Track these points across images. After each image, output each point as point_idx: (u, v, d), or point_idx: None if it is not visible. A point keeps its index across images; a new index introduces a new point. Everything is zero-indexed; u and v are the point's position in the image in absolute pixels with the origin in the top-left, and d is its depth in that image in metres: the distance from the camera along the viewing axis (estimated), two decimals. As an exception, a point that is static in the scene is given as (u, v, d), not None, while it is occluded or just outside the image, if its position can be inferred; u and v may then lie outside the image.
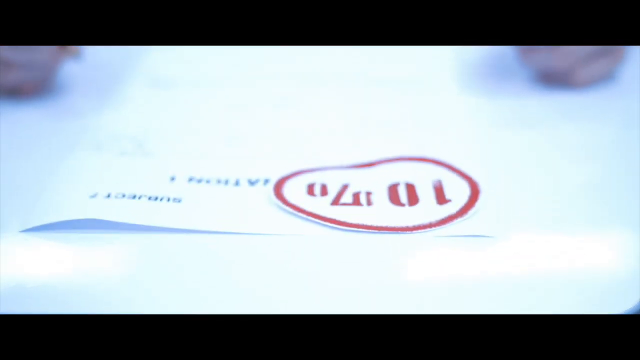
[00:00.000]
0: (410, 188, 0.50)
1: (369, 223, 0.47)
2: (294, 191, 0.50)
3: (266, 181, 0.51)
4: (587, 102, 0.63)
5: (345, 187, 0.51)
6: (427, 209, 0.48)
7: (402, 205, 0.49)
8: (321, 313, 0.41)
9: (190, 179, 0.52)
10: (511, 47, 0.65)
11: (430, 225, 0.47)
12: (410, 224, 0.47)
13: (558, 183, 0.53)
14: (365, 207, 0.49)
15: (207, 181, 0.51)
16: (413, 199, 0.49)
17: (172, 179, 0.52)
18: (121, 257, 0.47)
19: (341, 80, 0.66)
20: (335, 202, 0.49)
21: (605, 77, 0.65)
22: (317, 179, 0.52)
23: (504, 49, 0.67)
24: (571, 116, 0.61)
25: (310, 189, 0.50)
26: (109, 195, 0.49)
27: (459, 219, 0.47)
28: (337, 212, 0.48)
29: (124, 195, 0.49)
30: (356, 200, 0.49)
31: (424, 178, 0.51)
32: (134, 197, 0.49)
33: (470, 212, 0.48)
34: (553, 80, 0.64)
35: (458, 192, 0.50)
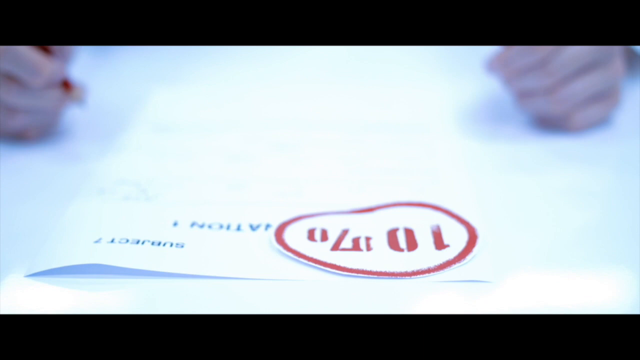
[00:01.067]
0: (409, 233, 0.51)
1: (368, 268, 0.48)
2: (295, 236, 0.51)
3: (267, 226, 0.52)
4: (584, 146, 0.64)
5: (345, 232, 0.51)
6: (426, 254, 0.49)
7: (401, 250, 0.50)
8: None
9: (193, 224, 0.52)
10: (507, 93, 0.66)
11: (429, 271, 0.48)
12: (409, 269, 0.48)
13: (555, 227, 0.53)
14: (365, 252, 0.49)
15: (209, 226, 0.52)
16: (412, 244, 0.50)
17: (175, 224, 0.52)
18: (124, 301, 0.47)
19: (341, 125, 0.67)
20: (335, 247, 0.50)
21: (601, 122, 0.66)
22: (318, 224, 0.52)
23: (501, 94, 0.68)
24: (568, 160, 0.62)
25: (311, 234, 0.51)
26: (112, 240, 0.50)
27: (457, 265, 0.48)
28: (337, 258, 0.49)
29: (127, 241, 0.50)
30: (356, 246, 0.50)
31: (422, 223, 0.52)
32: (138, 242, 0.50)
33: (468, 257, 0.49)
34: (549, 124, 0.65)
35: (456, 237, 0.51)
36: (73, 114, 0.67)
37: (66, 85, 0.61)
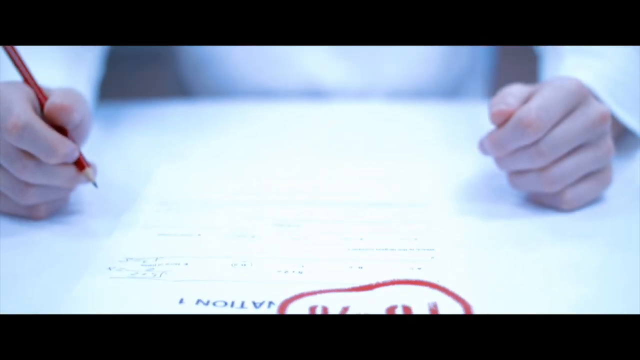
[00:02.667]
0: (407, 311, 0.53)
1: (368, 346, 0.49)
2: (297, 313, 0.53)
3: (270, 304, 0.54)
4: (577, 222, 0.66)
5: (345, 310, 0.53)
6: (424, 332, 0.51)
7: (400, 327, 0.51)
8: None
9: (198, 302, 0.54)
10: (502, 170, 0.68)
11: (427, 348, 0.49)
12: (408, 346, 0.49)
13: (551, 303, 0.55)
14: (364, 329, 0.51)
15: (214, 304, 0.54)
16: (410, 321, 0.52)
17: (181, 301, 0.54)
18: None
19: (340, 201, 0.69)
20: (336, 324, 0.51)
21: (593, 199, 0.68)
22: (319, 301, 0.54)
23: (496, 171, 0.70)
24: (562, 236, 0.64)
25: (312, 311, 0.53)
26: (120, 318, 0.51)
27: (454, 342, 0.50)
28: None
29: (134, 318, 0.51)
30: (356, 323, 0.52)
31: (420, 301, 0.54)
32: (144, 320, 0.51)
33: (465, 334, 0.50)
34: (542, 201, 0.67)
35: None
36: (80, 191, 0.69)
37: (79, 164, 0.63)
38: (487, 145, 0.65)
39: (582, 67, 0.77)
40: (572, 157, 0.64)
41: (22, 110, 0.60)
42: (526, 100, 0.65)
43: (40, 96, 0.64)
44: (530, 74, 0.98)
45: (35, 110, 0.62)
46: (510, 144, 0.63)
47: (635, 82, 0.78)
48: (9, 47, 0.64)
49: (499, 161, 0.66)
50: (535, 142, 0.63)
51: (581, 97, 0.64)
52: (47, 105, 0.62)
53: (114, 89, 1.09)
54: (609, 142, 0.66)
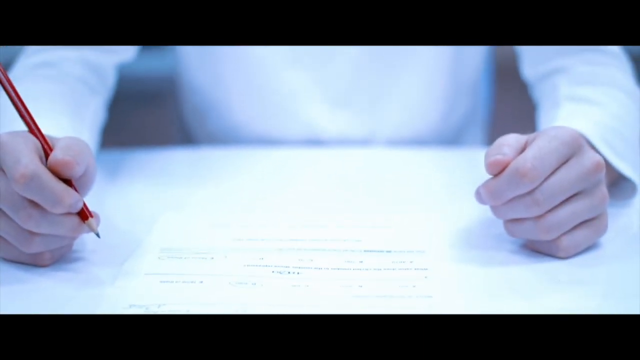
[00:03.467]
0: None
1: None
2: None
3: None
4: (573, 268, 0.67)
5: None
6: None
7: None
8: None
9: (200, 349, 0.55)
10: (499, 218, 0.69)
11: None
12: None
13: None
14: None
15: (216, 351, 0.55)
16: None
17: (183, 349, 0.55)
18: None
19: (339, 248, 0.70)
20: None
21: (589, 245, 0.69)
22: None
23: (493, 218, 0.71)
24: (558, 283, 0.65)
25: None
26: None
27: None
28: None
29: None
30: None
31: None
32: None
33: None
34: (539, 249, 0.68)
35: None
36: (83, 238, 0.70)
37: (82, 214, 0.64)
38: (483, 195, 0.66)
39: (577, 114, 0.78)
40: (567, 206, 0.65)
41: (30, 160, 0.62)
42: (522, 149, 0.66)
43: (46, 146, 0.65)
44: (527, 121, 1.00)
45: (41, 160, 0.63)
46: (507, 193, 0.64)
47: (629, 128, 0.79)
48: (15, 96, 0.66)
49: (496, 210, 0.67)
50: (531, 191, 0.64)
51: (576, 146, 0.66)
52: (50, 160, 0.63)
53: (118, 133, 1.10)
54: (603, 190, 0.67)
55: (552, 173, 0.65)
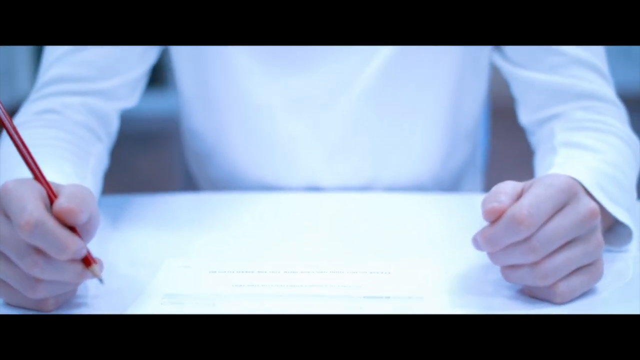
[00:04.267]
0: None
1: None
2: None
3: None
4: (569, 313, 0.67)
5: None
6: None
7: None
8: None
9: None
10: (496, 264, 0.70)
11: None
12: None
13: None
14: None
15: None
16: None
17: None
18: None
19: (340, 295, 0.71)
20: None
21: (585, 291, 0.69)
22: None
23: (490, 263, 0.71)
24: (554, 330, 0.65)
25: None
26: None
27: None
28: None
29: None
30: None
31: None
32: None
33: None
34: (535, 294, 0.69)
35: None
36: (87, 283, 0.71)
37: (86, 261, 0.65)
38: (480, 242, 0.67)
39: (572, 160, 0.80)
40: (563, 252, 0.66)
41: (35, 207, 0.63)
42: (518, 197, 0.67)
43: (50, 193, 0.66)
44: (523, 161, 1.01)
45: (46, 207, 0.65)
46: (503, 240, 0.66)
47: (624, 174, 0.80)
48: (20, 144, 0.67)
49: (493, 256, 0.68)
50: (527, 238, 0.65)
51: (571, 193, 0.67)
52: (55, 207, 0.64)
53: (120, 175, 1.12)
54: (599, 236, 0.68)
55: (548, 220, 0.66)
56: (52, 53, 0.93)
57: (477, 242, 0.67)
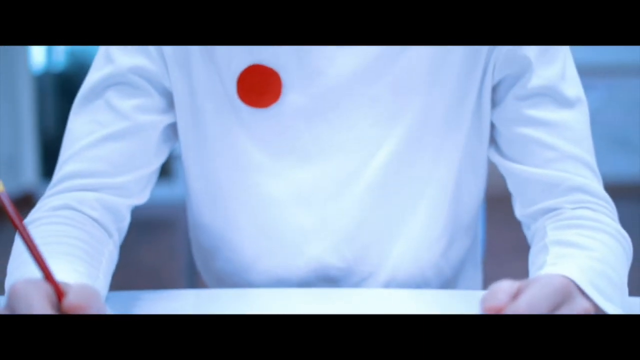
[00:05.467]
0: None
1: None
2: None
3: None
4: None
5: None
6: None
7: None
8: None
9: None
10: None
11: None
12: None
13: None
14: None
15: None
16: None
17: None
18: None
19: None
20: None
21: None
22: None
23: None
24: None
25: None
26: None
27: None
28: None
29: None
30: None
31: None
32: None
33: None
34: None
35: None
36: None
37: None
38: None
39: (565, 260, 0.81)
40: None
41: (41, 307, 0.65)
42: (515, 295, 0.69)
43: (58, 293, 0.68)
44: (520, 255, 1.03)
45: (53, 306, 0.66)
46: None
47: (616, 271, 0.82)
48: (30, 245, 0.69)
49: None
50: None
51: (566, 293, 0.69)
52: (64, 304, 0.66)
53: (126, 266, 1.13)
54: (582, 301, 0.70)
55: None
56: (68, 149, 0.96)
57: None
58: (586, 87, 0.98)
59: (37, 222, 0.89)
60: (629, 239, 0.91)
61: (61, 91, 5.43)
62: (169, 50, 0.96)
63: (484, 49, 0.94)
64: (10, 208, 0.68)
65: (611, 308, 0.77)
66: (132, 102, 0.96)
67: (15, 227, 0.69)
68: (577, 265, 0.78)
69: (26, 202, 4.65)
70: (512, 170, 0.98)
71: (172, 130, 1.02)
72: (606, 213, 0.92)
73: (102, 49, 0.98)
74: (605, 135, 4.99)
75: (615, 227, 0.90)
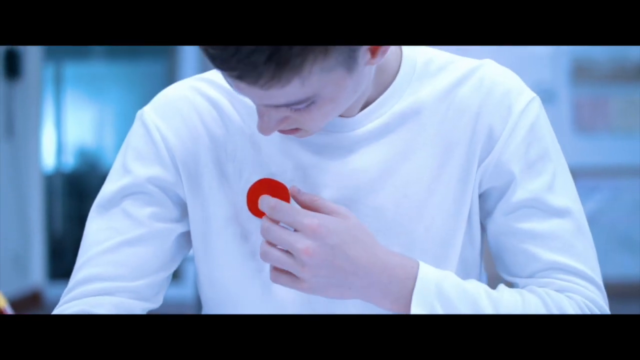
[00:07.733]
0: None
1: None
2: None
3: None
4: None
5: None
6: None
7: None
8: None
9: None
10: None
11: None
12: None
13: None
14: None
15: None
16: None
17: None
18: None
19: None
20: None
21: None
22: None
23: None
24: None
25: None
26: None
27: None
28: None
29: None
30: None
31: None
32: None
33: None
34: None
35: None
36: None
37: None
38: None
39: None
40: None
41: None
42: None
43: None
44: None
45: None
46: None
47: (483, 293, 0.81)
48: None
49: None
50: None
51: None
52: None
53: None
54: None
55: None
56: (83, 256, 0.97)
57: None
58: (590, 189, 1.01)
59: None
60: (565, 308, 0.81)
61: (70, 191, 5.45)
62: (181, 160, 1.00)
63: (476, 163, 0.98)
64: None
65: (416, 309, 0.73)
66: (148, 210, 0.98)
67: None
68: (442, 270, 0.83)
69: (34, 301, 4.62)
70: (500, 275, 0.99)
71: (185, 238, 1.04)
72: (576, 290, 0.87)
73: (118, 161, 1.00)
74: (610, 236, 5.00)
75: (559, 296, 0.86)
